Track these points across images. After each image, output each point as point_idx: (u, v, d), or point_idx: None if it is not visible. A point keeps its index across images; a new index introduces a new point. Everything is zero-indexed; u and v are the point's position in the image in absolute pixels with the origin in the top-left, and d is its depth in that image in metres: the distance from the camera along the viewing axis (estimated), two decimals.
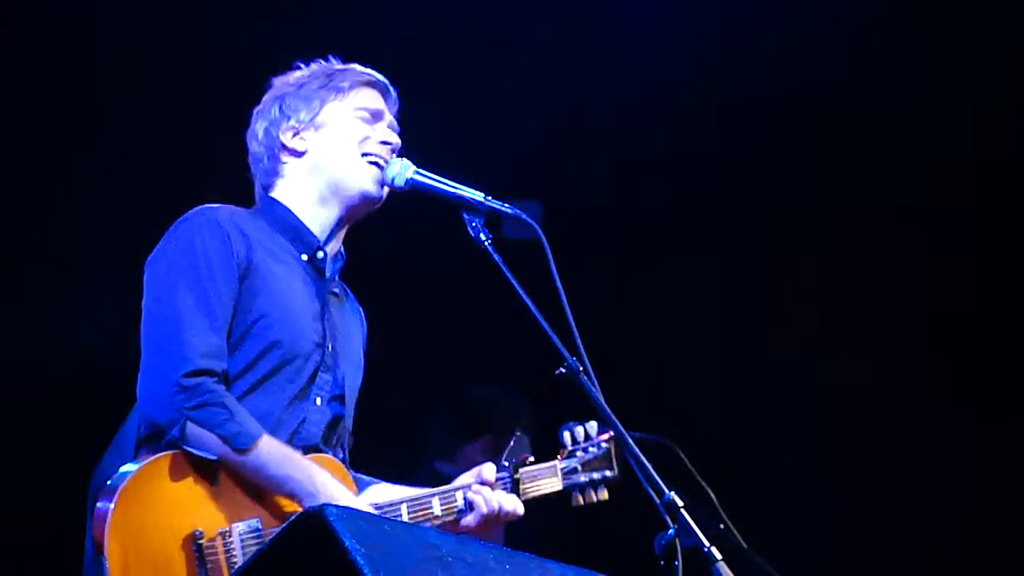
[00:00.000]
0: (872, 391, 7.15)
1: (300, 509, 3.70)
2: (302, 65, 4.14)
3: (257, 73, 4.22)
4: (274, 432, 3.77)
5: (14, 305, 6.16)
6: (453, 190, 3.88)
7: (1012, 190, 7.00)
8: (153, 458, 3.64)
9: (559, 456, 4.17)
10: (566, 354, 3.59)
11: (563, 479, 4.14)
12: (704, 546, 3.38)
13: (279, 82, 4.13)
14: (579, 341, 3.60)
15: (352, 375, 4.02)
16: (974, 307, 7.17)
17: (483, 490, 3.89)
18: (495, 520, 3.89)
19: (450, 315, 6.83)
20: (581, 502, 4.17)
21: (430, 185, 3.95)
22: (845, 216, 7.14)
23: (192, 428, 3.65)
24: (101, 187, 6.21)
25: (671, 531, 3.39)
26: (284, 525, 3.17)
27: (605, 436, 4.18)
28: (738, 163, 6.97)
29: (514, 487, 4.00)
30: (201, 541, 3.59)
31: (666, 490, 3.43)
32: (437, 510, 3.84)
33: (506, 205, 3.81)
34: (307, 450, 3.83)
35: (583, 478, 4.16)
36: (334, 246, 4.05)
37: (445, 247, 4.26)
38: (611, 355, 4.19)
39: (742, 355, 7.13)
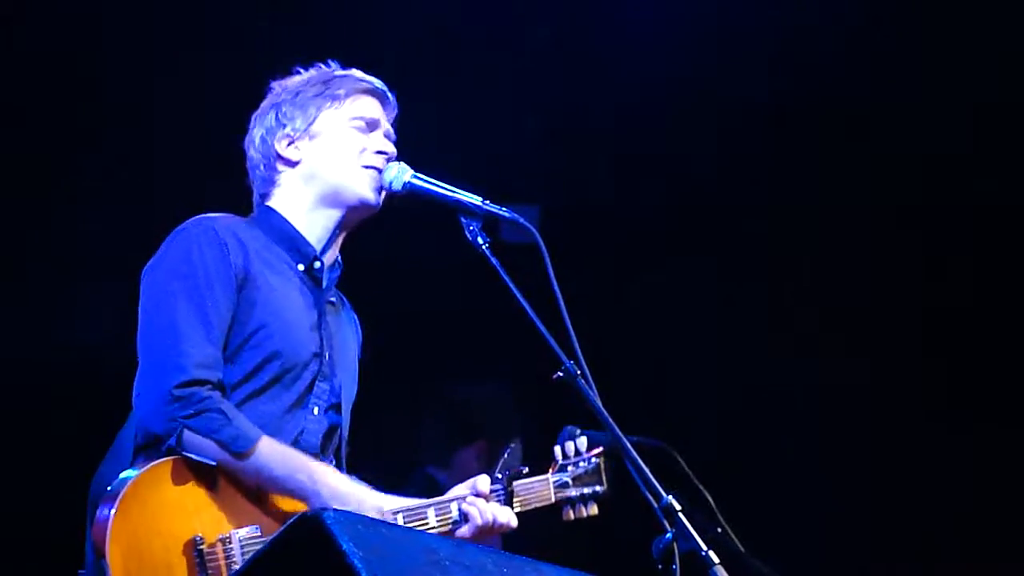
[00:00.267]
0: (872, 392, 7.15)
1: (301, 509, 3.70)
2: (301, 70, 4.12)
3: (257, 72, 4.21)
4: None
5: (14, 305, 6.16)
6: (451, 194, 3.88)
7: (1012, 190, 7.00)
8: (153, 464, 3.64)
9: (550, 470, 4.17)
10: (564, 358, 3.59)
11: (555, 493, 4.13)
12: (702, 550, 3.38)
13: (277, 87, 4.10)
14: (576, 345, 3.60)
15: (348, 385, 4.02)
16: (974, 307, 7.17)
17: (478, 502, 3.88)
18: (489, 532, 3.89)
19: (446, 319, 6.83)
20: (571, 517, 4.18)
21: (428, 189, 3.95)
22: (845, 216, 7.14)
23: (189, 436, 3.66)
24: (101, 187, 6.21)
25: (669, 535, 3.40)
26: (282, 530, 3.17)
27: (595, 451, 4.18)
28: (738, 163, 6.97)
29: (508, 499, 3.99)
30: (202, 547, 3.60)
31: (664, 494, 3.43)
32: (432, 521, 3.84)
33: (504, 209, 3.80)
34: None
35: (574, 492, 4.16)
36: (331, 255, 4.04)
37: (442, 250, 4.26)
38: (609, 358, 4.19)
39: (741, 356, 7.13)
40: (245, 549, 3.62)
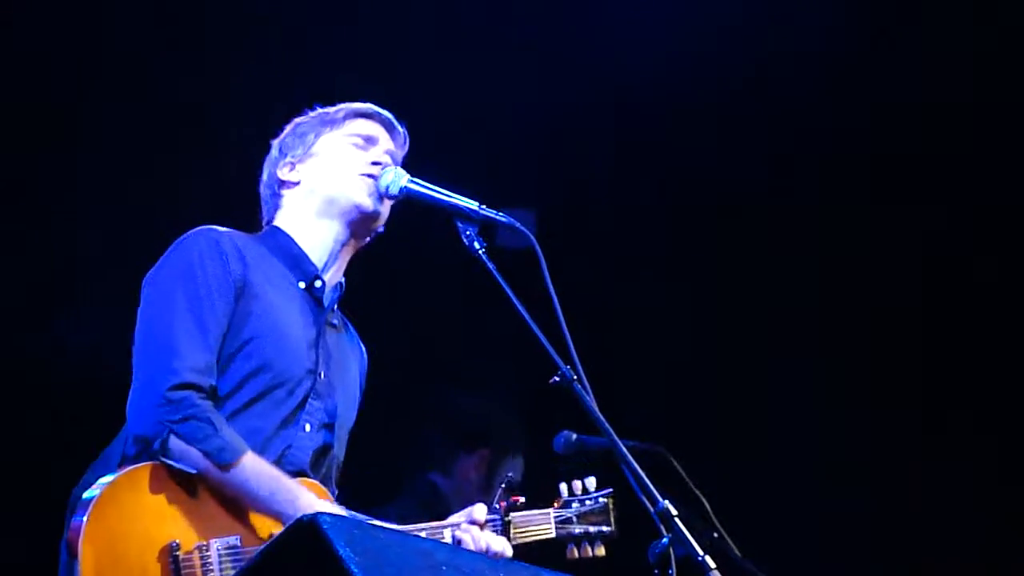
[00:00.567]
0: (871, 394, 7.14)
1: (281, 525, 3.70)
2: (308, 111, 4.21)
3: (255, 78, 4.23)
4: (260, 455, 3.77)
5: (14, 305, 6.16)
6: (447, 199, 3.89)
7: (1013, 191, 7.00)
8: (132, 468, 3.64)
9: (555, 504, 4.17)
10: (560, 363, 3.59)
11: (556, 528, 4.13)
12: (698, 555, 3.38)
13: (286, 128, 4.21)
14: (573, 349, 3.60)
15: (345, 407, 4.03)
16: (975, 308, 7.16)
17: (472, 529, 3.89)
18: None
19: (445, 325, 6.84)
20: (576, 555, 4.15)
21: (424, 194, 3.97)
22: (845, 215, 7.13)
23: (175, 442, 3.66)
24: (101, 187, 6.21)
25: (665, 540, 3.40)
26: (278, 534, 3.17)
27: (604, 492, 4.18)
28: (736, 164, 6.96)
29: (504, 530, 4.00)
30: (178, 553, 3.59)
31: (660, 499, 3.43)
32: None
33: (500, 213, 3.81)
34: (294, 475, 3.82)
35: (578, 530, 4.16)
36: (334, 275, 4.07)
37: (440, 256, 4.27)
38: (605, 362, 4.18)
39: (739, 360, 7.12)
40: (223, 559, 3.61)
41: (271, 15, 6.23)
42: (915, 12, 6.63)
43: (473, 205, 3.83)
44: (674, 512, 3.42)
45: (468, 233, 3.80)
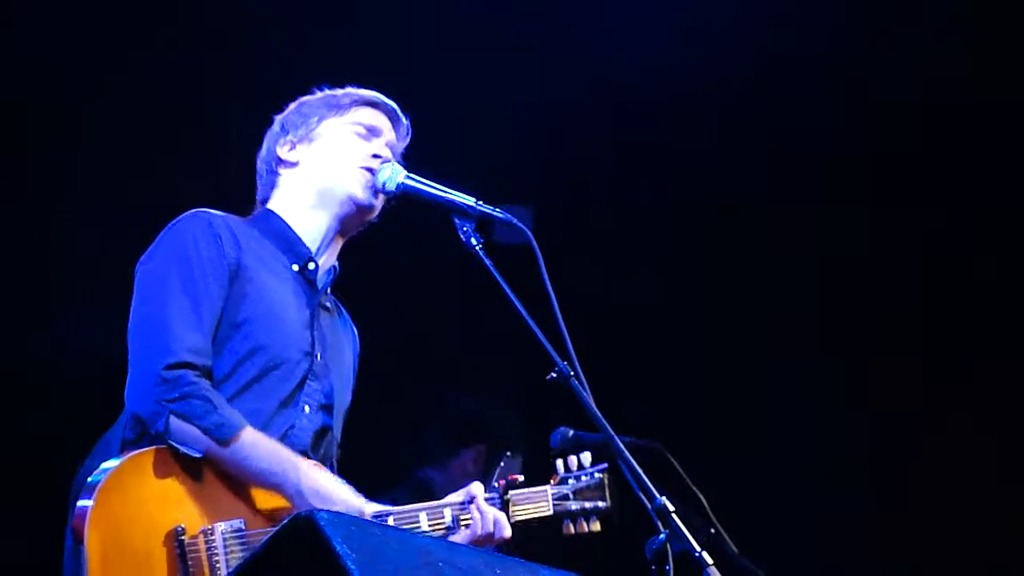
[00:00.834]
0: (871, 393, 7.14)
1: (286, 506, 3.71)
2: (316, 91, 4.19)
3: (256, 71, 4.23)
4: None
5: (14, 305, 6.17)
6: (444, 195, 3.90)
7: (1013, 191, 7.00)
8: (136, 452, 3.64)
9: (551, 482, 4.17)
10: (557, 359, 3.59)
11: (553, 505, 4.13)
12: (695, 551, 3.38)
13: (291, 105, 4.18)
14: (570, 345, 3.60)
15: (341, 388, 4.03)
16: (975, 308, 7.16)
17: (471, 507, 3.89)
18: (483, 539, 3.88)
19: (442, 320, 6.84)
20: (572, 531, 4.16)
21: (421, 190, 3.97)
22: (845, 215, 7.13)
23: (175, 422, 3.65)
24: (101, 187, 6.21)
25: (662, 536, 3.40)
26: (275, 529, 3.17)
27: (599, 467, 4.18)
28: (735, 164, 6.96)
29: (504, 508, 3.99)
30: (183, 538, 3.59)
31: (657, 495, 3.43)
32: (424, 525, 3.83)
33: (497, 210, 3.81)
34: None
35: (574, 506, 4.16)
36: (327, 259, 4.06)
37: (437, 252, 4.27)
38: (603, 358, 4.19)
39: (738, 357, 7.12)
40: (228, 542, 3.61)
41: (271, 15, 6.24)
42: (915, 12, 6.63)
43: (470, 201, 3.84)
44: (671, 508, 3.42)
45: (465, 229, 3.80)
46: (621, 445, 3.50)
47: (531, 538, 4.10)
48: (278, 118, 4.17)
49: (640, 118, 6.83)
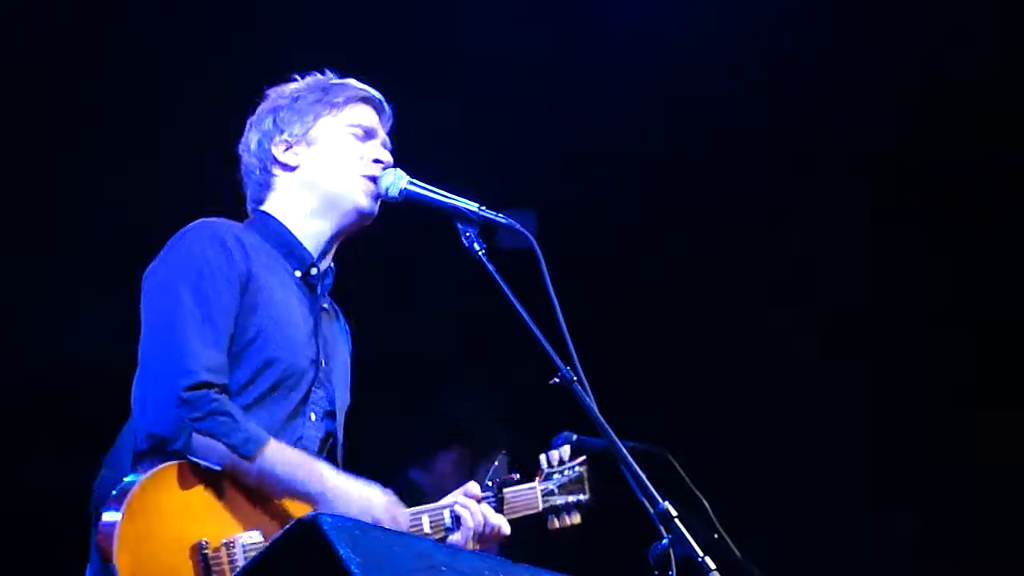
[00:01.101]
0: (872, 395, 7.15)
1: (302, 514, 3.71)
2: (298, 77, 4.11)
3: (256, 72, 4.21)
4: None
5: (14, 305, 6.17)
6: (447, 200, 3.87)
7: (1013, 192, 7.01)
8: (159, 467, 3.62)
9: (537, 478, 4.19)
10: (560, 364, 3.59)
11: (542, 501, 4.15)
12: (698, 556, 3.38)
13: (274, 93, 4.09)
14: (573, 350, 3.60)
15: (342, 390, 4.02)
16: (975, 308, 7.16)
17: (469, 503, 3.90)
18: (482, 538, 3.89)
19: (440, 323, 6.84)
20: (556, 526, 4.19)
21: (424, 195, 3.94)
22: (844, 216, 7.14)
23: (198, 439, 3.63)
24: (102, 187, 6.21)
25: (665, 541, 3.40)
26: (279, 534, 3.18)
27: (579, 460, 4.21)
28: (735, 165, 6.97)
29: (499, 506, 4.00)
30: (206, 551, 3.58)
31: (660, 499, 3.43)
32: (426, 527, 3.84)
33: (500, 215, 3.80)
34: None
35: (559, 501, 4.18)
36: (325, 262, 4.03)
37: (439, 255, 4.26)
38: (606, 363, 4.19)
39: (739, 360, 7.13)
40: (248, 554, 3.60)
41: (271, 15, 6.24)
42: (915, 12, 6.64)
43: (473, 207, 3.81)
44: (674, 513, 3.41)
45: (468, 234, 3.78)
46: (624, 450, 3.50)
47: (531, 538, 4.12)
48: (265, 107, 4.06)
49: (640, 118, 6.83)
